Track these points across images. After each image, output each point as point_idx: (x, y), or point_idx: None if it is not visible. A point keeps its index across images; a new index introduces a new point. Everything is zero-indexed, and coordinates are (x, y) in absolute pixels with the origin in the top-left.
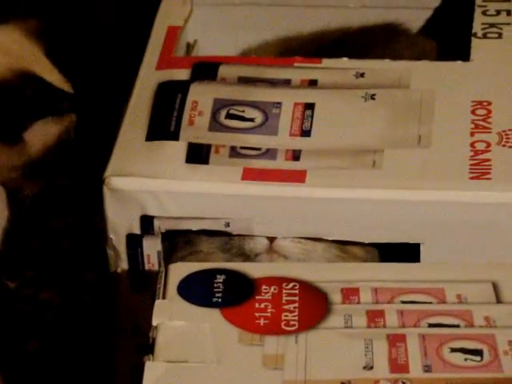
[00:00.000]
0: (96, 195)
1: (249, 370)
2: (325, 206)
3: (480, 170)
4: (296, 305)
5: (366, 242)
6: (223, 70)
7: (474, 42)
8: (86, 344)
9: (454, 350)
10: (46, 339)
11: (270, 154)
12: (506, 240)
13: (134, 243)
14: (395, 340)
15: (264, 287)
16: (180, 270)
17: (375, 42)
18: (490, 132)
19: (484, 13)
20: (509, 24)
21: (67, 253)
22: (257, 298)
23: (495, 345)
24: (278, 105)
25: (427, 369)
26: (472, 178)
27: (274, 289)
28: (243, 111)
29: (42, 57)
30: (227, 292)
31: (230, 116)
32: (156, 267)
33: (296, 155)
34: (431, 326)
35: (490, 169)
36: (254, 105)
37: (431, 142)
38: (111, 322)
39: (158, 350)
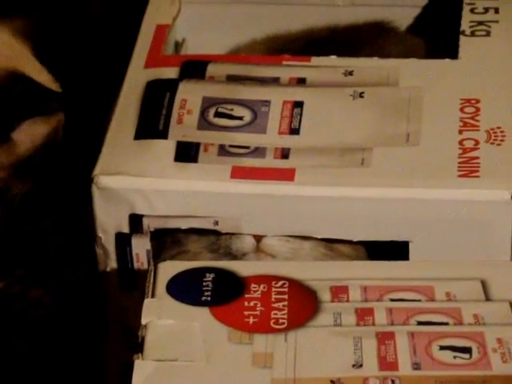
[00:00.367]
0: (85, 194)
1: (238, 369)
2: (314, 205)
3: (468, 168)
4: (285, 303)
5: (355, 240)
6: (212, 69)
7: (462, 39)
8: (75, 343)
9: (442, 348)
10: (35, 338)
11: (258, 152)
12: (494, 238)
13: (122, 242)
14: (384, 338)
15: (253, 285)
16: (169, 269)
17: (364, 40)
18: (478, 130)
19: (472, 10)
20: (497, 22)
21: (56, 251)
22: (246, 296)
23: (484, 342)
24: (267, 103)
25: (416, 366)
26: (460, 176)
27: (264, 287)
28: (232, 109)
29: (30, 57)
30: (216, 290)
31: (218, 114)
32: (145, 266)
33: (285, 153)
34: (420, 323)
35: (478, 167)
36: (242, 103)
37: (420, 140)
38: (100, 320)
39: (148, 349)
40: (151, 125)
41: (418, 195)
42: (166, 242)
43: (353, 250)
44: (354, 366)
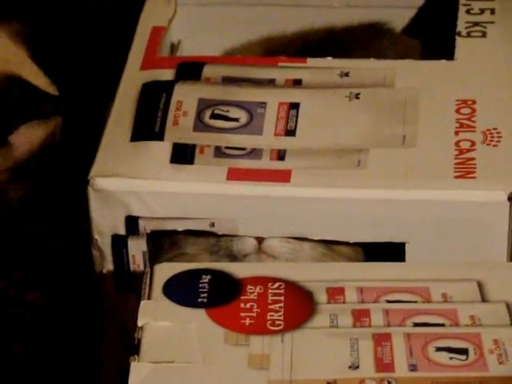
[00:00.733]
0: (81, 196)
1: (235, 370)
2: (310, 206)
3: (465, 169)
4: (281, 304)
5: (352, 241)
6: (208, 70)
7: (458, 40)
8: (71, 345)
9: (439, 349)
10: (31, 341)
11: (255, 153)
12: (490, 239)
13: (119, 244)
14: (381, 339)
15: (249, 287)
16: (165, 271)
17: (359, 41)
18: (474, 131)
19: (468, 11)
20: (493, 23)
21: (52, 254)
22: (242, 297)
23: (480, 344)
24: (263, 105)
25: (413, 368)
26: (457, 177)
27: (260, 289)
28: (228, 111)
29: (27, 60)
30: (213, 292)
31: (214, 116)
32: (141, 268)
33: (281, 155)
34: (416, 325)
35: (474, 168)
36: (238, 105)
37: (416, 142)
38: (97, 322)
39: (144, 351)
40: (147, 126)
41: (414, 196)
42: (164, 244)
43: (352, 251)
44: (350, 367)
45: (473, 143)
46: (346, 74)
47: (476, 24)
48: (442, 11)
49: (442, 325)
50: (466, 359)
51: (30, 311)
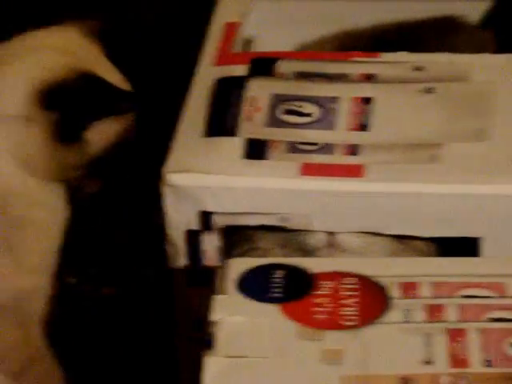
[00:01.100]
0: (154, 192)
1: (307, 365)
2: (383, 201)
3: None
4: (355, 300)
5: (425, 236)
6: (281, 66)
7: None
8: (146, 340)
9: None
10: (107, 335)
11: (327, 148)
12: None
13: (192, 239)
14: (455, 335)
15: (322, 282)
16: (239, 266)
17: (432, 35)
18: None
19: None
20: None
21: (127, 249)
22: (315, 293)
23: None
24: (336, 99)
25: (488, 363)
26: None
27: (333, 284)
28: (301, 106)
29: (101, 57)
30: (286, 287)
31: (287, 111)
32: (215, 263)
33: (354, 150)
34: (492, 320)
35: None
36: (311, 100)
37: (491, 136)
38: (171, 317)
39: (218, 345)
40: (220, 122)
41: (489, 191)
42: (237, 239)
43: (425, 245)
44: (424, 362)
45: None
46: (420, 69)
47: None
48: None
49: None
50: None
51: (105, 306)
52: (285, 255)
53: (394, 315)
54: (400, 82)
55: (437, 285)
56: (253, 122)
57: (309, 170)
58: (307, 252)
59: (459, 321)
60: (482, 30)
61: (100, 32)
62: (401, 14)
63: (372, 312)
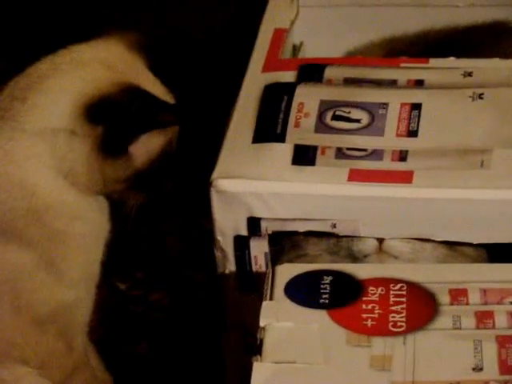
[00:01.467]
0: (203, 197)
1: (356, 371)
2: (432, 207)
3: None
4: (404, 306)
5: (475, 242)
6: (329, 72)
7: None
8: (195, 344)
9: None
10: (156, 340)
11: (376, 154)
12: None
13: (241, 245)
14: (505, 341)
15: (371, 288)
16: (287, 272)
17: (483, 41)
18: None
19: None
20: None
21: (176, 254)
22: (364, 299)
23: None
24: (385, 105)
25: None
26: None
27: (381, 290)
28: (349, 112)
29: (144, 69)
30: (334, 293)
31: (336, 117)
32: (263, 268)
33: (403, 156)
34: None
35: None
36: (360, 106)
37: None
38: (220, 322)
39: (266, 351)
40: (269, 128)
41: None
42: (285, 245)
43: (475, 251)
44: (473, 369)
45: None
46: (470, 74)
47: None
48: None
49: None
50: None
51: (154, 310)
52: (333, 262)
53: (442, 321)
54: (449, 87)
55: (486, 291)
56: (301, 128)
57: (357, 175)
58: (356, 258)
59: (509, 327)
60: None
61: (142, 44)
62: (450, 20)
63: (421, 318)
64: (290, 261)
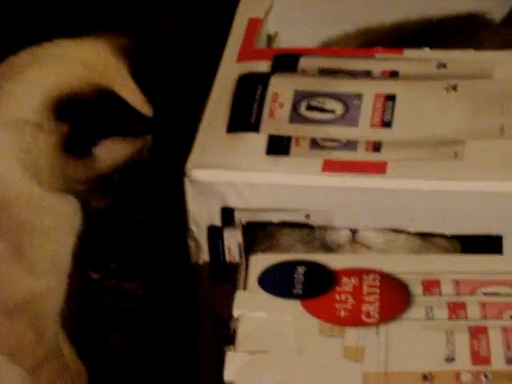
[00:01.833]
0: (177, 188)
1: (329, 362)
2: (406, 198)
3: None
4: (376, 296)
5: (448, 234)
6: (304, 62)
7: None
8: (167, 334)
9: None
10: (129, 330)
11: (350, 145)
12: None
13: (214, 235)
14: (477, 332)
15: (344, 279)
16: (261, 262)
17: (457, 32)
18: None
19: None
20: None
21: (149, 245)
22: (337, 289)
23: None
24: (359, 96)
25: (510, 361)
26: None
27: (355, 280)
28: (324, 103)
29: (126, 75)
30: (307, 283)
31: (310, 108)
32: (237, 259)
33: (377, 146)
34: None
35: None
36: (334, 96)
37: None
38: (193, 312)
39: (239, 341)
40: (243, 118)
41: (511, 188)
42: (259, 235)
43: (448, 243)
44: (446, 360)
45: None
46: (444, 66)
47: None
48: None
49: None
50: None
51: (127, 301)
52: (307, 252)
53: (415, 312)
54: (423, 79)
55: (459, 282)
56: (276, 119)
57: (331, 166)
58: (330, 249)
59: (481, 318)
60: (505, 28)
61: (130, 50)
62: (425, 11)
63: (393, 309)
64: (264, 251)
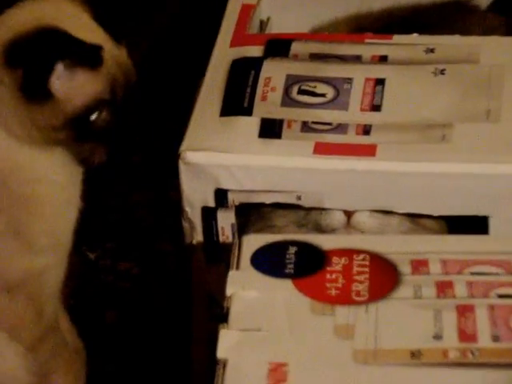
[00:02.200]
0: (171, 170)
1: (320, 340)
2: (395, 180)
3: None
4: (366, 276)
5: (436, 214)
6: (295, 47)
7: None
8: (162, 313)
9: None
10: (125, 308)
11: (340, 128)
12: None
13: (208, 216)
14: (464, 310)
15: (335, 258)
16: (253, 242)
17: (445, 18)
18: None
19: None
20: None
21: (145, 225)
22: (328, 269)
23: None
24: (349, 80)
25: (496, 338)
26: None
27: (345, 260)
28: (315, 87)
29: (85, 19)
30: (299, 263)
31: (301, 92)
32: (230, 239)
33: (366, 129)
34: (500, 296)
35: None
36: (325, 80)
37: (500, 117)
38: (187, 291)
39: (232, 319)
40: (236, 102)
41: (498, 170)
42: (252, 216)
43: (436, 224)
44: (434, 337)
45: None
46: (432, 51)
47: None
48: None
49: None
50: None
51: (122, 280)
52: (301, 234)
53: (404, 291)
54: (412, 63)
55: (446, 262)
56: (268, 102)
57: (322, 149)
58: (323, 232)
59: (468, 297)
60: (491, 14)
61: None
62: None
63: (383, 288)
64: (258, 232)
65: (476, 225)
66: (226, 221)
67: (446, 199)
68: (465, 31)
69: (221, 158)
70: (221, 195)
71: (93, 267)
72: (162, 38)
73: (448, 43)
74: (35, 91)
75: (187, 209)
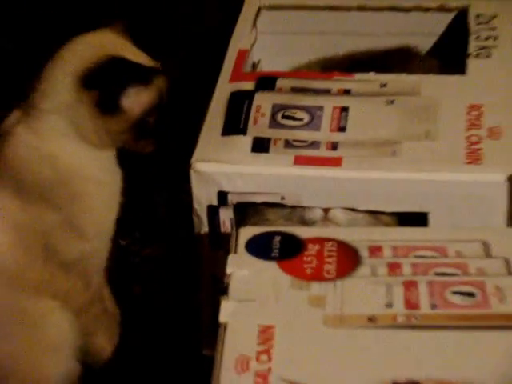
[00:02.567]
0: (184, 176)
1: (299, 307)
2: (356, 184)
3: (474, 157)
4: (334, 258)
5: (387, 211)
6: (280, 82)
7: (469, 60)
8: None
9: (454, 293)
10: (148, 284)
11: (314, 145)
12: (493, 209)
13: (213, 212)
14: (409, 285)
15: (310, 245)
16: (248, 232)
17: (395, 61)
18: (481, 128)
19: (477, 38)
20: (496, 47)
21: (164, 219)
22: (305, 253)
23: (485, 289)
24: (321, 108)
25: (433, 307)
26: (468, 163)
27: (318, 246)
28: (295, 113)
29: (129, 46)
30: (283, 249)
31: (285, 117)
32: (229, 230)
33: (334, 146)
34: (437, 274)
35: (481, 156)
36: (303, 108)
37: (436, 136)
38: (196, 272)
39: (231, 292)
40: (234, 124)
41: (435, 177)
42: (250, 212)
43: (390, 219)
44: (386, 306)
45: (480, 138)
46: (385, 85)
47: (483, 48)
48: (457, 38)
49: (456, 274)
50: (474, 300)
51: (146, 261)
52: (288, 226)
53: (363, 271)
54: (369, 95)
55: (396, 248)
56: (259, 125)
57: (300, 160)
58: (306, 224)
59: (412, 275)
60: (429, 58)
61: (127, 30)
62: (370, 45)
63: (347, 268)
64: (254, 224)
65: (418, 219)
66: (226, 216)
67: (396, 199)
68: (409, 71)
69: (222, 168)
70: (222, 196)
71: (124, 251)
72: (176, 75)
73: (397, 80)
74: (109, 107)
75: (196, 206)
